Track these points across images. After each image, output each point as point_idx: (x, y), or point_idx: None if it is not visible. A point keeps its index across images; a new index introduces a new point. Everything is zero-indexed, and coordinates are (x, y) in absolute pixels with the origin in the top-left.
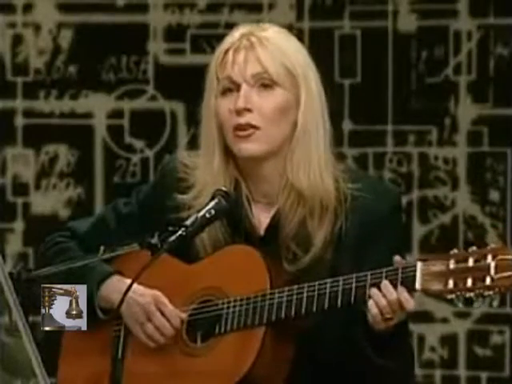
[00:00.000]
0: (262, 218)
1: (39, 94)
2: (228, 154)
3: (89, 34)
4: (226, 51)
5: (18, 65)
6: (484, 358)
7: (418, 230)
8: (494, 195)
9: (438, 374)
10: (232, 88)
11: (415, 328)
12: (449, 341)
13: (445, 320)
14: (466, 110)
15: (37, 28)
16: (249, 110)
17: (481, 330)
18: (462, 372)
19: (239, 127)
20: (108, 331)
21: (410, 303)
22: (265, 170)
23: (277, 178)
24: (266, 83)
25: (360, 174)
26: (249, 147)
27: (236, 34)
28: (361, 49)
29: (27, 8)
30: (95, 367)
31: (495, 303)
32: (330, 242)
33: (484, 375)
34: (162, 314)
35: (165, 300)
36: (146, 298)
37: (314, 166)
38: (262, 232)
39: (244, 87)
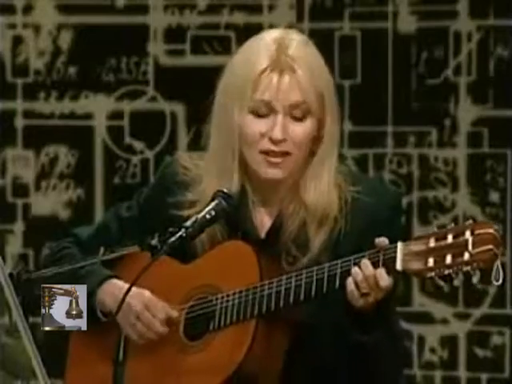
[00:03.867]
0: (264, 221)
1: (39, 95)
2: (241, 162)
3: (89, 35)
4: (265, 70)
5: (18, 66)
6: (484, 359)
7: (418, 231)
8: (494, 196)
9: (438, 374)
10: (267, 112)
11: (415, 329)
12: (449, 342)
13: (445, 321)
14: (466, 111)
15: (37, 29)
16: (284, 140)
17: (481, 330)
18: (462, 373)
19: (271, 153)
20: (111, 335)
21: (384, 280)
22: (276, 183)
23: (284, 188)
24: (301, 114)
25: (359, 176)
26: (276, 173)
27: (271, 50)
28: (361, 50)
29: (27, 9)
30: (100, 371)
31: (475, 279)
32: (329, 245)
33: (484, 376)
34: (149, 311)
35: (151, 297)
36: (134, 299)
37: (324, 182)
38: (263, 234)
39: (280, 117)
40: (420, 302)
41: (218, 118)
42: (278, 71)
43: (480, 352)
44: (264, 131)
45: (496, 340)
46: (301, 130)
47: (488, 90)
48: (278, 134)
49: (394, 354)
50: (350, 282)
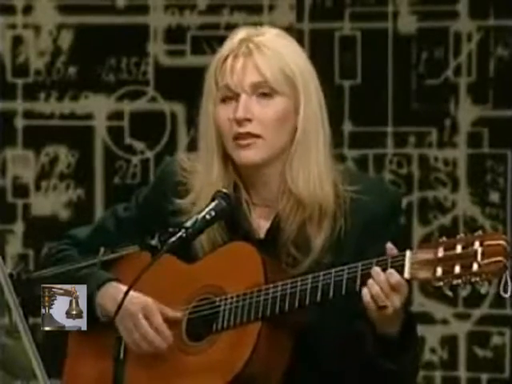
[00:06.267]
0: (261, 222)
1: (39, 96)
2: (227, 158)
3: (89, 35)
4: (225, 58)
5: (18, 66)
6: (484, 360)
7: (418, 232)
8: (494, 197)
9: (438, 375)
10: (231, 96)
11: None
12: (449, 342)
13: (445, 321)
14: (466, 112)
15: (37, 29)
16: (249, 120)
17: (481, 331)
18: (462, 373)
19: (239, 136)
20: (111, 333)
21: (395, 277)
22: (264, 176)
23: (276, 183)
24: (265, 92)
25: (359, 176)
26: (249, 155)
27: (234, 40)
28: (361, 50)
29: (27, 9)
30: (99, 369)
31: (483, 290)
32: (329, 246)
33: (484, 376)
34: (151, 324)
35: (154, 309)
36: (135, 307)
37: (313, 173)
38: (261, 235)
39: (243, 97)
40: (420, 302)
41: (201, 117)
42: (232, 57)
43: (480, 352)
44: (231, 116)
45: (496, 340)
46: (268, 110)
47: (488, 90)
48: (240, 113)
49: (415, 371)
50: (364, 292)
